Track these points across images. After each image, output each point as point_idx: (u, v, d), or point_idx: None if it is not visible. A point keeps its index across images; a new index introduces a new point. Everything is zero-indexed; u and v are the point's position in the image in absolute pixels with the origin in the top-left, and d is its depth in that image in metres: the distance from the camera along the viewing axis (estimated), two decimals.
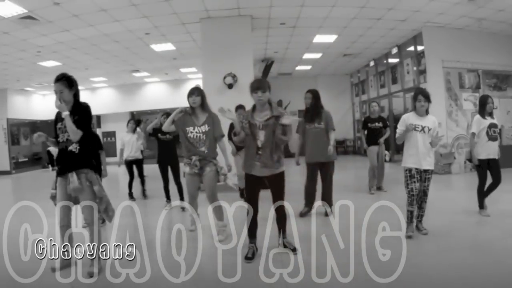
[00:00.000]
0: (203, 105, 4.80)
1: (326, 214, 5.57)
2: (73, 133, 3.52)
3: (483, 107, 5.36)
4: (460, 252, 3.82)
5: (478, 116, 5.41)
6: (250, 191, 3.99)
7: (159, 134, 6.66)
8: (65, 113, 3.52)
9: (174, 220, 6.11)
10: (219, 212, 4.72)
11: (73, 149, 3.57)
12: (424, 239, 4.29)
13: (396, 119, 7.72)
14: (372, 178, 7.44)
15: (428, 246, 4.08)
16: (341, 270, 3.51)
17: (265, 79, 3.96)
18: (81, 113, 3.63)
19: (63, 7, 7.22)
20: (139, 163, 7.76)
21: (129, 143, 7.66)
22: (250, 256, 3.89)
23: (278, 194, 3.98)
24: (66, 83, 3.59)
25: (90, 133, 3.73)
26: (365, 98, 15.48)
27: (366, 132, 7.52)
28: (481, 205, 5.35)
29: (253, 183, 3.94)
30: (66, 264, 3.75)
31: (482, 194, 5.34)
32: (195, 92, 4.80)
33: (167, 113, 6.89)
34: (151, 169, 8.09)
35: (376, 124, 7.40)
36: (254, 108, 3.91)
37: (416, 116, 4.42)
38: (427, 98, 4.38)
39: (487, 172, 5.33)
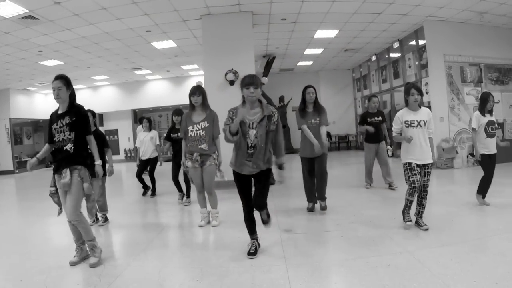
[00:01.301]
0: (204, 103, 5.02)
1: (322, 209, 5.60)
2: (95, 145, 3.98)
3: (484, 104, 5.38)
4: (462, 245, 3.83)
5: (477, 112, 5.44)
6: (241, 189, 3.86)
7: (171, 134, 6.87)
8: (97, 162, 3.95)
9: (178, 216, 6.14)
10: (214, 201, 5.23)
11: (69, 148, 3.68)
12: (426, 233, 4.30)
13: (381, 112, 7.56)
14: (368, 175, 7.37)
15: (430, 240, 4.09)
16: (341, 265, 3.53)
17: (256, 75, 3.81)
18: (78, 115, 3.77)
19: (63, 6, 7.24)
20: (152, 162, 7.92)
21: (143, 142, 7.86)
22: (253, 252, 3.86)
23: (261, 190, 3.81)
24: (65, 81, 3.76)
25: (86, 134, 3.84)
26: (367, 93, 15.45)
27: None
28: (483, 194, 5.44)
29: (242, 182, 3.84)
30: (78, 260, 3.87)
31: (486, 184, 5.40)
32: (197, 92, 4.98)
33: (177, 109, 6.99)
34: (159, 168, 8.13)
35: (376, 118, 7.23)
36: (243, 104, 3.73)
37: (409, 112, 4.41)
38: (420, 91, 4.37)
39: (490, 164, 5.39)
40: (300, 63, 15.32)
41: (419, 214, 4.52)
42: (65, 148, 3.67)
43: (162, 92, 17.25)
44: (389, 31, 10.62)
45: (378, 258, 3.62)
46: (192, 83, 15.64)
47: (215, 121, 4.96)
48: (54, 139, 3.74)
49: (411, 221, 4.50)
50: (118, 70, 14.34)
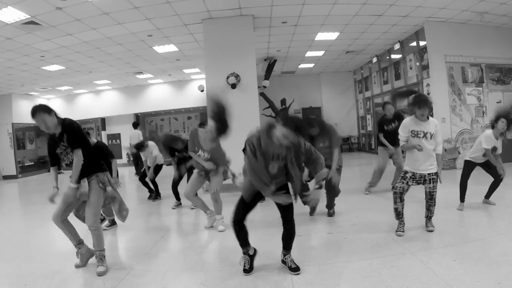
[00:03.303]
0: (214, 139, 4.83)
1: (329, 215, 5.57)
2: (78, 164, 3.59)
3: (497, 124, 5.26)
4: (465, 246, 3.83)
5: (490, 132, 5.28)
6: (244, 208, 3.47)
7: (176, 153, 6.93)
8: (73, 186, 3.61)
9: (181, 220, 6.16)
10: (218, 208, 5.24)
11: None
12: (428, 234, 4.31)
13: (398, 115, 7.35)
14: (377, 179, 7.10)
15: (432, 241, 4.10)
16: (344, 267, 3.54)
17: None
18: (65, 131, 3.61)
19: (65, 12, 7.28)
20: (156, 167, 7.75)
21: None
22: (247, 268, 3.53)
23: (288, 208, 3.57)
24: (43, 111, 3.54)
25: (86, 146, 3.71)
26: (369, 94, 15.47)
27: (383, 135, 7.01)
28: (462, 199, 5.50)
29: (255, 197, 3.47)
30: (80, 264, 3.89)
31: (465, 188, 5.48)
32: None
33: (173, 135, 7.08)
34: (162, 172, 8.09)
35: (393, 124, 6.87)
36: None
37: (417, 122, 4.30)
38: (429, 108, 4.27)
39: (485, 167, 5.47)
40: (302, 66, 15.34)
41: (428, 217, 4.51)
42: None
43: (164, 96, 17.30)
44: (390, 32, 10.64)
45: (381, 260, 3.62)
46: (194, 86, 15.71)
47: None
48: (65, 162, 3.69)
49: (403, 232, 4.37)
50: (120, 75, 14.39)
